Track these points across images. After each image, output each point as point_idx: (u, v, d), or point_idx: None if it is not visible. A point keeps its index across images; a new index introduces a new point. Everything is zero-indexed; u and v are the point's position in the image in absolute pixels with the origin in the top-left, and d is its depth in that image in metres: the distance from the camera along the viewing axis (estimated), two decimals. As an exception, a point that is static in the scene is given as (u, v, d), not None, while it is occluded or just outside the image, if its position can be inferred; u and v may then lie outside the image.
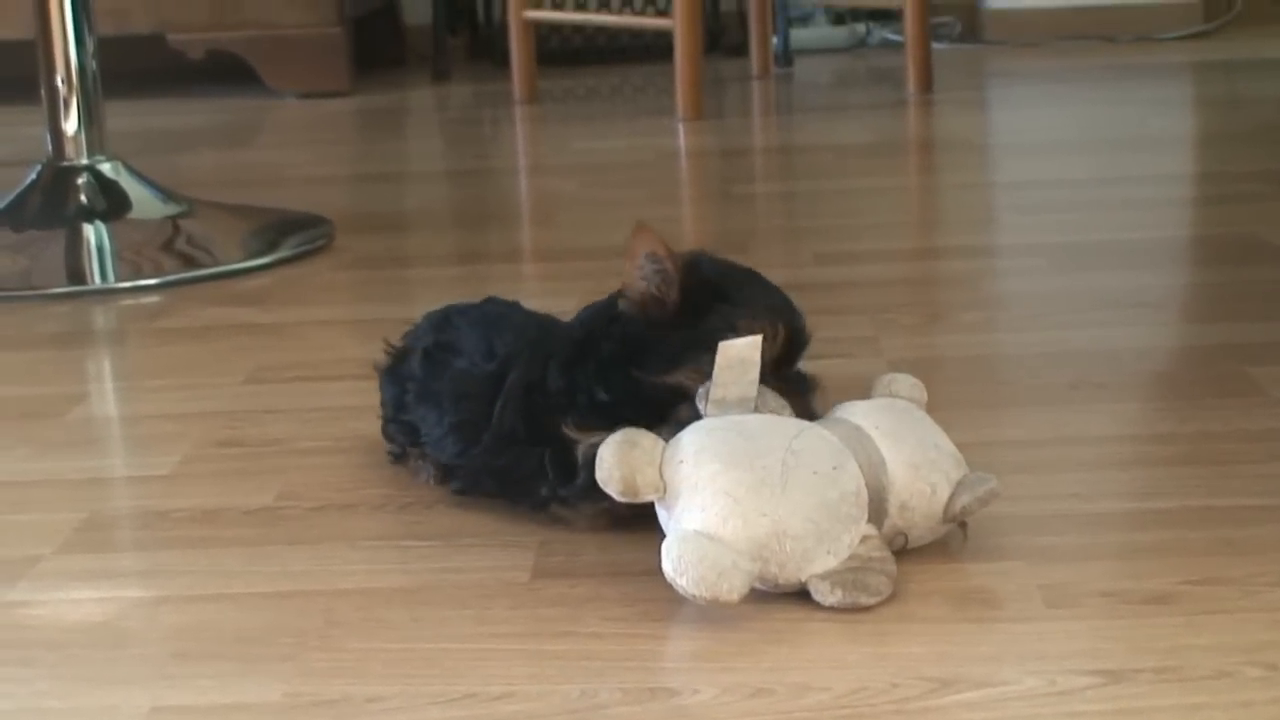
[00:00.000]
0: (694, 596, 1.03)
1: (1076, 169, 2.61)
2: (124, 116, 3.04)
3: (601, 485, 1.09)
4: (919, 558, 1.11)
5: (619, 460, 1.08)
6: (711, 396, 1.13)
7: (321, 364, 1.70)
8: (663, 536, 1.07)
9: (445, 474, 1.28)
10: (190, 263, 2.16)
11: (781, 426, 1.12)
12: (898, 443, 1.12)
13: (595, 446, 1.13)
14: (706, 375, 1.13)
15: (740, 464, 1.07)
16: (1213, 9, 4.22)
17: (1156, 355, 1.63)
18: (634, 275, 1.18)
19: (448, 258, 2.26)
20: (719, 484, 1.07)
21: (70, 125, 2.23)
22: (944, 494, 1.11)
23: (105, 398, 1.70)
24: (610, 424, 1.14)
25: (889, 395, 1.19)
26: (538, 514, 1.21)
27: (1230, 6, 4.24)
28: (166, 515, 1.29)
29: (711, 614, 1.06)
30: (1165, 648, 0.99)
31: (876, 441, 1.12)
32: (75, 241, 2.23)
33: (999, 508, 1.19)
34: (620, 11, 4.13)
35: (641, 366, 1.16)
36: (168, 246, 2.23)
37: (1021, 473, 1.27)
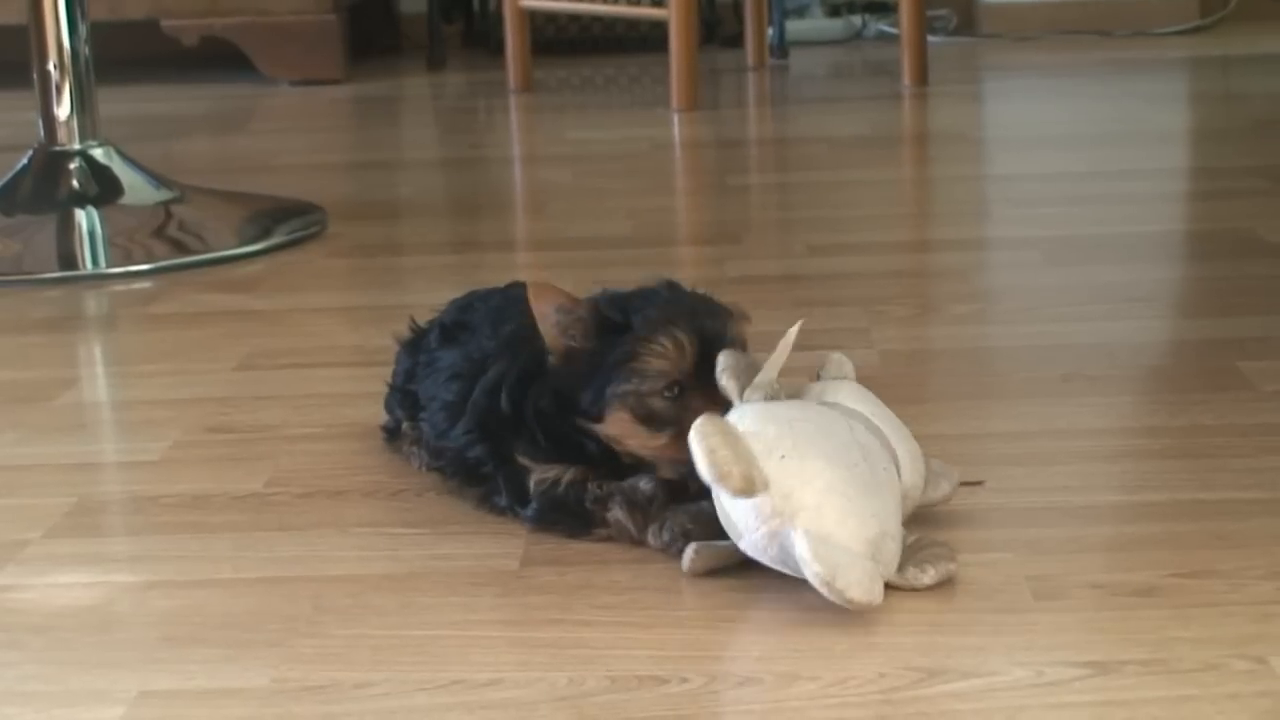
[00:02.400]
0: (849, 601, 1.01)
1: (1071, 163, 2.61)
2: (117, 102, 3.03)
3: (714, 480, 1.04)
4: (908, 548, 1.12)
5: (737, 455, 1.03)
6: (759, 380, 1.11)
7: (313, 351, 1.69)
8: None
9: (435, 455, 1.28)
10: (182, 249, 2.15)
11: (830, 416, 1.11)
12: (893, 433, 1.13)
13: (546, 481, 1.16)
14: (632, 407, 1.14)
15: (837, 461, 1.05)
16: (1208, 4, 4.22)
17: (1149, 349, 1.63)
18: (551, 332, 1.16)
19: (441, 246, 2.26)
20: (826, 482, 1.04)
21: (63, 110, 2.22)
22: (923, 480, 1.14)
23: (96, 383, 1.70)
24: (560, 461, 1.16)
25: (842, 377, 1.19)
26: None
27: (1226, 2, 4.24)
28: (156, 500, 1.29)
29: (699, 603, 1.06)
30: (1153, 640, 0.99)
31: (883, 431, 1.13)
32: (67, 227, 2.22)
33: (988, 499, 1.19)
34: (616, 2, 4.12)
35: (576, 413, 1.16)
36: (160, 232, 2.22)
37: (1012, 465, 1.27)
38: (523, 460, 1.18)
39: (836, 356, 1.21)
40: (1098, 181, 2.44)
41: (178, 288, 2.00)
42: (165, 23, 3.72)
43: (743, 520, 1.06)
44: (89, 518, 1.27)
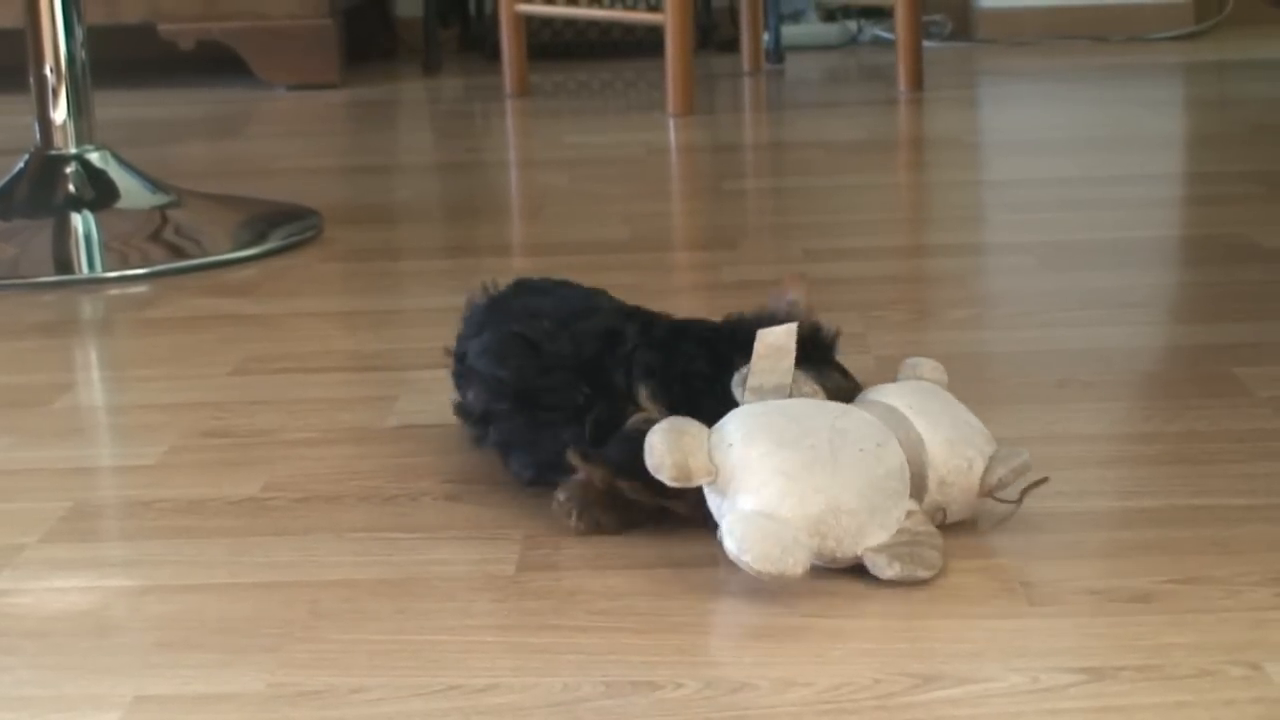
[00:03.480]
0: (759, 573, 1.04)
1: (1066, 168, 2.61)
2: (113, 106, 3.03)
3: (653, 472, 1.09)
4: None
5: (671, 447, 1.09)
6: (749, 384, 1.14)
7: (309, 355, 1.69)
8: (709, 526, 1.09)
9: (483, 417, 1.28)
10: (178, 253, 2.15)
11: (823, 408, 1.14)
12: (932, 421, 1.15)
13: (642, 419, 1.15)
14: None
15: (789, 443, 1.08)
16: (1203, 10, 4.23)
17: (1144, 354, 1.63)
18: (768, 304, 1.20)
19: (437, 250, 2.26)
20: (771, 463, 1.08)
21: (59, 114, 2.22)
22: (979, 468, 1.14)
23: (92, 387, 1.70)
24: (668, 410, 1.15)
25: (915, 378, 1.21)
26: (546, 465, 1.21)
27: (1221, 7, 4.24)
28: (151, 505, 1.29)
29: (694, 609, 1.06)
30: (1149, 646, 0.99)
31: (912, 420, 1.14)
32: (63, 231, 2.22)
33: (982, 503, 1.19)
34: (612, 6, 4.12)
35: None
36: (156, 237, 2.22)
37: (1007, 470, 1.27)
38: (645, 403, 1.18)
39: (910, 361, 1.23)
40: (1093, 186, 2.44)
41: (174, 292, 2.00)
42: (161, 26, 3.72)
43: (713, 510, 1.10)
44: (85, 522, 1.27)
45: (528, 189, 2.75)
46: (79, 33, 2.22)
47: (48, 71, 2.20)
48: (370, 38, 4.22)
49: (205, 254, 2.14)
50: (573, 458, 1.18)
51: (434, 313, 1.83)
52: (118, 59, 3.54)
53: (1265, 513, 1.18)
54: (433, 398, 1.51)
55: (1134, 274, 1.92)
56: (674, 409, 1.15)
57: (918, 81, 3.42)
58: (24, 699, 0.98)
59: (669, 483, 1.09)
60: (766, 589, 1.07)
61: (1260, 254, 1.98)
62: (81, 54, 2.22)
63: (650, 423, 1.14)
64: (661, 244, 2.22)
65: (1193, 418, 1.39)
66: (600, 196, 2.52)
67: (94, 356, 1.83)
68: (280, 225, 2.27)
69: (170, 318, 1.89)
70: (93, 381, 1.73)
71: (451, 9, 4.29)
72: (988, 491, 1.15)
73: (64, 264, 2.18)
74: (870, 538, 1.08)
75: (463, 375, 1.32)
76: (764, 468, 1.08)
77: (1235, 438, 1.34)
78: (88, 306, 1.98)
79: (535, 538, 1.18)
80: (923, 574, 1.07)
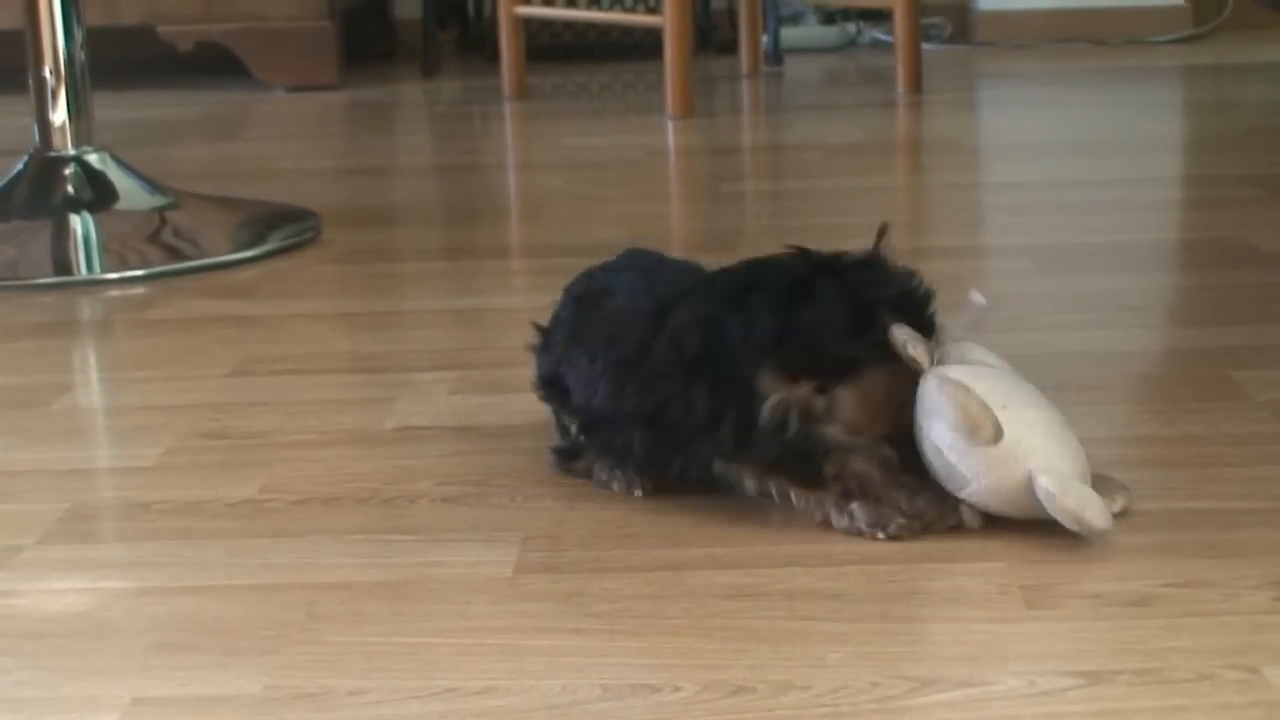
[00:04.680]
0: (1094, 530, 1.11)
1: (1065, 171, 2.61)
2: (112, 107, 3.03)
3: (967, 433, 1.11)
4: (903, 557, 1.12)
5: (982, 407, 1.12)
6: (947, 348, 1.19)
7: (307, 357, 1.69)
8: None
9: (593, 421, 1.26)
10: (177, 255, 2.15)
11: (1005, 370, 1.20)
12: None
13: (783, 406, 1.14)
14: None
15: (1040, 407, 1.15)
16: (1202, 13, 4.23)
17: (1142, 358, 1.63)
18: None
19: (435, 252, 2.26)
20: (1044, 425, 1.14)
21: (58, 116, 2.22)
22: None
23: (90, 389, 1.70)
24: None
25: (972, 323, 1.24)
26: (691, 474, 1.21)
27: (1220, 10, 4.25)
28: (149, 507, 1.29)
29: (692, 611, 1.06)
30: (1146, 650, 0.99)
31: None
32: (62, 232, 2.22)
33: (982, 508, 1.19)
34: (611, 8, 4.12)
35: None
36: (154, 238, 2.22)
37: (1005, 473, 1.27)
38: (767, 383, 1.15)
39: (974, 298, 1.23)
40: (1090, 190, 2.44)
41: (172, 293, 2.00)
42: (160, 28, 3.72)
43: (972, 469, 1.13)
44: (83, 524, 1.27)
45: (526, 191, 2.75)
46: (78, 34, 2.22)
47: (47, 73, 2.20)
48: (369, 39, 4.22)
49: (204, 255, 2.14)
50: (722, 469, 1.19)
51: (432, 315, 1.83)
52: (116, 60, 3.53)
53: (1263, 516, 1.18)
54: (431, 400, 1.52)
55: (1132, 277, 1.92)
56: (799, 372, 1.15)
57: (916, 84, 3.42)
58: (22, 700, 0.98)
59: (984, 443, 1.11)
60: (766, 591, 1.07)
61: (1259, 257, 1.98)
62: (80, 55, 2.22)
63: (790, 404, 1.14)
64: (660, 246, 2.21)
65: (1190, 421, 1.39)
66: (599, 199, 2.52)
67: (92, 358, 1.83)
68: (279, 227, 2.27)
69: (169, 319, 1.89)
70: (91, 383, 1.73)
71: (450, 11, 4.28)
72: None
73: (62, 265, 2.18)
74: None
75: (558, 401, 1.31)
76: (1040, 429, 1.13)
77: (1233, 441, 1.34)
78: (86, 308, 1.98)
79: (533, 540, 1.18)
80: (1132, 495, 1.17)
